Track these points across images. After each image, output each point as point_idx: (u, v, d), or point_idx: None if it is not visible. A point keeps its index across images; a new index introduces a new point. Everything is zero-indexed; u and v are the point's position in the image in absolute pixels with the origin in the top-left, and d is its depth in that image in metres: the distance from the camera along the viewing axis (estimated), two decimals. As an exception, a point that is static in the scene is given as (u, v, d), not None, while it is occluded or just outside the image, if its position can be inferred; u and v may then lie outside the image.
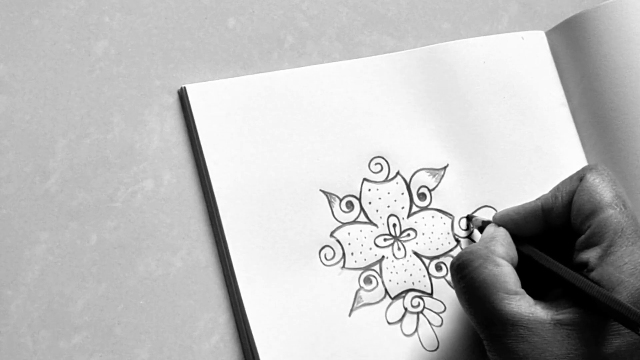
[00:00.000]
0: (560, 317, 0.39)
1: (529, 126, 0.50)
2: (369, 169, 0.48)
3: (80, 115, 0.45)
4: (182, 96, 0.46)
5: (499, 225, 0.45)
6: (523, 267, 0.43)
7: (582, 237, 0.41)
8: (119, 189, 0.45)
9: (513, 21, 0.54)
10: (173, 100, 0.47)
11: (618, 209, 0.41)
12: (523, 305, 0.40)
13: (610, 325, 0.39)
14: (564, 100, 0.52)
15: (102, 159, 0.45)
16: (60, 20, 0.45)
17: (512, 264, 0.42)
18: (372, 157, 0.48)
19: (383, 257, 0.47)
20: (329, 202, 0.47)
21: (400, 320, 0.46)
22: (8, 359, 0.42)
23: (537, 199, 0.44)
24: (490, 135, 0.50)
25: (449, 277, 0.47)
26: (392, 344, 0.46)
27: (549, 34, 0.53)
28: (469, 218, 0.48)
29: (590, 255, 0.41)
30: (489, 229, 0.45)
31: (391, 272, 0.47)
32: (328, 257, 0.46)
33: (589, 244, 0.41)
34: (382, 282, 0.46)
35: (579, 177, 0.43)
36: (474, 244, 0.44)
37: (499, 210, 0.46)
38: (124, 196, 0.45)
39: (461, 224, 0.49)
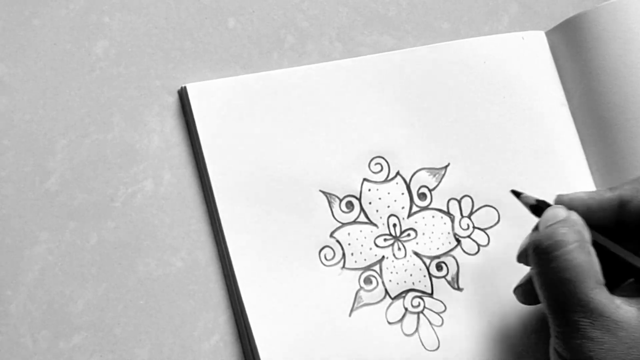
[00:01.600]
0: None
1: (529, 126, 0.50)
2: (369, 169, 0.48)
3: (80, 115, 0.45)
4: (182, 96, 0.46)
5: (568, 208, 0.43)
6: None
7: None
8: (119, 189, 0.45)
9: (513, 21, 0.54)
10: (173, 100, 0.47)
11: None
12: (610, 297, 0.39)
13: None
14: (564, 100, 0.52)
15: (102, 159, 0.45)
16: (60, 20, 0.45)
17: None
18: (372, 157, 0.48)
19: (383, 257, 0.47)
20: (329, 202, 0.47)
21: (401, 320, 0.46)
22: (8, 359, 0.42)
23: (614, 188, 0.43)
24: (490, 135, 0.50)
25: (449, 277, 0.47)
26: (392, 344, 0.45)
27: (549, 34, 0.53)
28: (517, 193, 0.45)
29: None
30: (561, 211, 0.42)
31: (391, 272, 0.47)
32: (328, 258, 0.46)
33: None
34: (382, 282, 0.46)
35: None
36: (559, 225, 0.41)
37: (562, 193, 0.44)
38: (124, 196, 0.45)
39: (462, 224, 0.49)
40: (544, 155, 0.50)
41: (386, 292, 0.46)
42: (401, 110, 0.49)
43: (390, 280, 0.47)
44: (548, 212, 0.43)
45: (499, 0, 0.54)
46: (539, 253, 0.41)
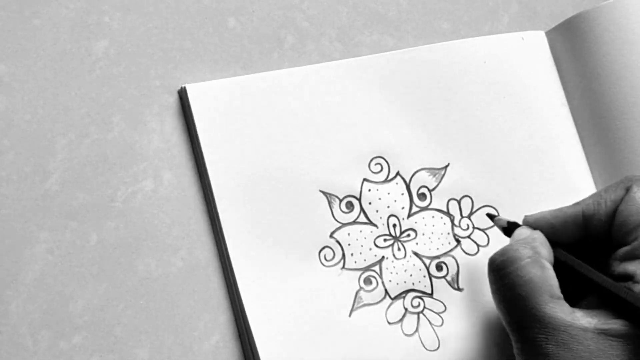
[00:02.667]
0: (605, 327, 0.38)
1: (529, 126, 0.50)
2: (369, 169, 0.48)
3: (80, 115, 0.45)
4: (182, 96, 0.46)
5: (534, 228, 0.44)
6: (557, 274, 0.42)
7: (627, 248, 0.41)
8: (119, 189, 0.45)
9: (513, 21, 0.54)
10: (173, 100, 0.47)
11: None
12: (566, 311, 0.39)
13: None
14: (564, 100, 0.52)
15: (102, 159, 0.45)
16: (60, 20, 0.45)
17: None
18: (372, 157, 0.48)
19: (383, 257, 0.47)
20: (329, 202, 0.47)
21: (401, 320, 0.46)
22: (8, 359, 0.42)
23: (576, 204, 0.43)
24: (490, 135, 0.50)
25: (449, 277, 0.47)
26: (392, 344, 0.46)
27: (549, 34, 0.53)
28: (491, 216, 0.47)
29: (637, 267, 0.40)
30: (524, 230, 0.44)
31: (391, 273, 0.47)
32: (328, 258, 0.46)
33: (635, 256, 0.40)
34: (382, 283, 0.46)
35: (625, 187, 0.42)
36: (513, 243, 0.42)
37: (528, 214, 0.45)
38: (124, 196, 0.45)
39: (462, 224, 0.49)
40: (544, 155, 0.50)
41: (386, 292, 0.46)
42: (401, 110, 0.49)
43: (390, 281, 0.47)
44: (515, 233, 0.44)
45: (499, 0, 0.54)
46: (493, 270, 0.41)
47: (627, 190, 0.42)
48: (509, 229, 0.45)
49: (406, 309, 0.46)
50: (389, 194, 0.48)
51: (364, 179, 0.48)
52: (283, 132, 0.47)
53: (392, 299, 0.46)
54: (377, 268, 0.47)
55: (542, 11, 0.55)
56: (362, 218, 0.47)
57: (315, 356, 0.44)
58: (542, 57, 0.52)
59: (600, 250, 0.43)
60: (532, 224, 0.44)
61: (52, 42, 0.45)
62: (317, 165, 0.47)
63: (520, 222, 0.45)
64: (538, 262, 0.40)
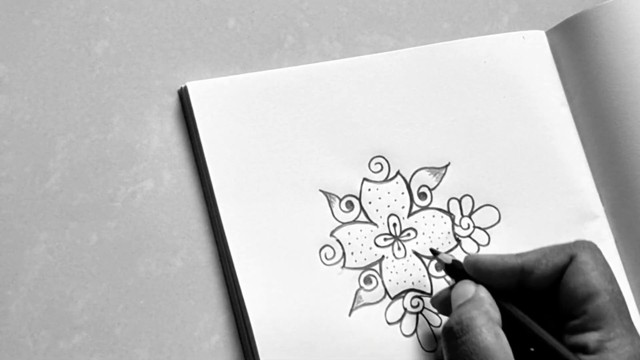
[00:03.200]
0: None
1: (529, 126, 0.50)
2: (369, 168, 0.48)
3: (80, 115, 0.45)
4: (183, 95, 0.46)
5: (472, 275, 0.43)
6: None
7: (578, 321, 0.41)
8: (119, 189, 0.45)
9: (513, 21, 0.54)
10: (173, 100, 0.47)
11: (614, 295, 0.41)
12: None
13: None
14: (564, 100, 0.52)
15: (102, 159, 0.45)
16: (60, 20, 0.45)
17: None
18: (372, 156, 0.48)
19: (383, 256, 0.47)
20: (329, 202, 0.47)
21: (400, 320, 0.46)
22: (8, 359, 0.42)
23: (517, 256, 0.43)
24: (490, 135, 0.50)
25: (448, 278, 0.47)
26: (391, 344, 0.45)
27: (549, 34, 0.53)
28: (434, 253, 0.46)
29: (589, 339, 0.40)
30: (468, 287, 0.43)
31: (391, 272, 0.47)
32: (328, 257, 0.46)
33: (585, 329, 0.40)
34: (382, 282, 0.46)
35: (570, 254, 0.42)
36: (467, 307, 0.42)
37: (470, 254, 0.44)
38: (124, 196, 0.45)
39: (462, 223, 0.48)
40: (544, 155, 0.50)
41: (386, 291, 0.46)
42: (401, 110, 0.49)
43: (390, 280, 0.46)
44: (459, 289, 0.43)
45: (499, 0, 0.54)
46: (449, 338, 0.41)
47: (572, 258, 0.42)
48: (452, 269, 0.44)
49: (405, 309, 0.46)
50: (389, 193, 0.48)
51: (364, 179, 0.48)
52: (284, 131, 0.47)
53: (392, 298, 0.46)
54: (377, 267, 0.47)
55: (542, 11, 0.55)
56: (362, 217, 0.47)
57: (314, 355, 0.44)
58: (542, 56, 0.52)
59: (537, 304, 0.43)
60: (471, 270, 0.43)
61: (52, 42, 0.45)
62: (317, 165, 0.47)
63: (460, 262, 0.44)
64: (492, 329, 0.40)
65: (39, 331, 0.42)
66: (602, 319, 0.40)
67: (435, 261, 0.47)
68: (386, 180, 0.48)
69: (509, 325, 0.41)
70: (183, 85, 0.46)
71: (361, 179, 0.48)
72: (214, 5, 0.48)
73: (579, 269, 0.41)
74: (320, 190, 0.47)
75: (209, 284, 0.45)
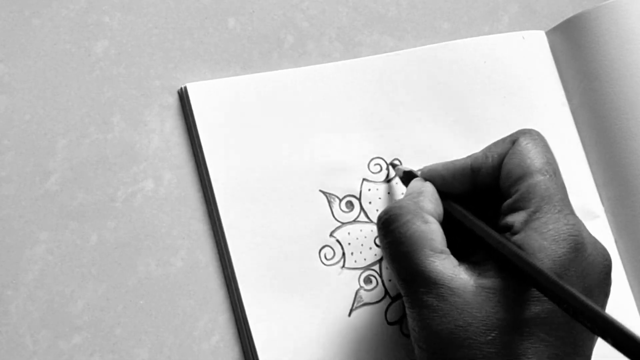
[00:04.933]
0: (482, 281, 0.39)
1: (529, 126, 0.50)
2: (369, 169, 0.48)
3: (80, 115, 0.45)
4: (183, 96, 0.46)
5: (426, 179, 0.44)
6: (449, 226, 0.42)
7: (509, 200, 0.41)
8: (119, 189, 0.45)
9: (513, 21, 0.54)
10: (173, 100, 0.47)
11: (548, 176, 0.41)
12: (447, 265, 0.39)
13: (531, 291, 0.38)
14: (564, 100, 0.52)
15: (102, 159, 0.45)
16: (60, 20, 0.45)
17: (439, 222, 0.42)
18: (372, 157, 0.48)
19: (383, 256, 0.47)
20: (329, 202, 0.47)
21: (400, 320, 0.46)
22: (8, 359, 0.42)
23: (467, 157, 0.44)
24: (490, 135, 0.50)
25: None
26: (391, 344, 0.46)
27: (549, 34, 0.53)
28: (392, 165, 0.47)
29: (516, 219, 0.40)
30: (416, 183, 0.44)
31: (391, 272, 0.47)
32: (328, 257, 0.46)
33: (515, 208, 0.41)
34: (382, 282, 0.46)
35: (512, 140, 0.43)
36: (401, 198, 0.43)
37: (427, 165, 0.45)
38: (124, 196, 0.45)
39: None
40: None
41: (386, 291, 0.46)
42: (401, 110, 0.49)
43: (390, 280, 0.47)
44: (409, 186, 0.44)
45: (499, 0, 0.54)
46: (379, 228, 0.42)
47: (514, 143, 0.42)
48: (407, 178, 0.45)
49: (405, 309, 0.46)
50: (389, 193, 0.48)
51: (364, 179, 0.48)
52: (283, 132, 0.47)
53: (392, 298, 0.46)
54: (377, 267, 0.47)
55: (542, 11, 0.55)
56: (362, 217, 0.47)
57: (314, 356, 0.44)
58: (542, 56, 0.52)
59: (491, 204, 0.43)
60: (425, 175, 0.44)
61: (52, 42, 0.45)
62: (317, 165, 0.47)
63: (417, 171, 0.45)
64: (419, 217, 0.41)
65: (39, 331, 0.42)
66: (532, 198, 0.40)
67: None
68: (386, 180, 0.48)
69: (458, 228, 0.42)
70: (183, 86, 0.46)
71: (361, 179, 0.48)
72: (214, 5, 0.48)
73: (516, 151, 0.42)
74: (320, 191, 0.47)
75: (209, 284, 0.45)
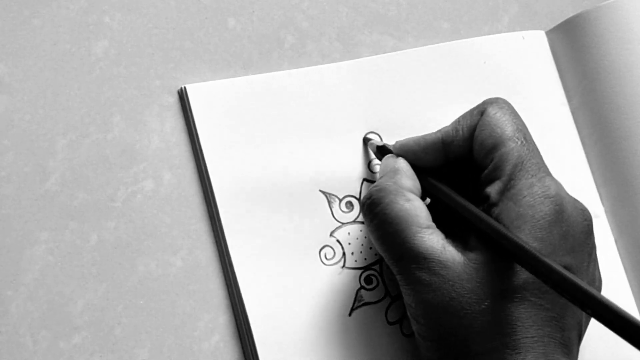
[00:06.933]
0: (468, 254, 0.40)
1: (529, 126, 0.50)
2: (369, 169, 0.48)
3: (80, 115, 0.45)
4: (182, 96, 0.46)
5: (398, 155, 0.44)
6: (428, 200, 0.43)
7: (486, 171, 0.42)
8: (119, 189, 0.45)
9: (513, 21, 0.54)
10: (173, 100, 0.47)
11: (519, 142, 0.41)
12: (435, 239, 0.40)
13: None
14: (564, 100, 0.52)
15: (102, 159, 0.45)
16: (60, 20, 0.45)
17: (420, 197, 0.42)
18: (372, 157, 0.48)
19: (383, 256, 0.47)
20: (329, 202, 0.47)
21: (400, 320, 0.46)
22: (8, 359, 0.42)
23: (438, 131, 0.44)
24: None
25: None
26: (391, 343, 0.45)
27: (549, 34, 0.53)
28: (365, 140, 0.48)
29: (492, 189, 0.41)
30: (389, 160, 0.44)
31: (391, 272, 0.47)
32: (328, 257, 0.46)
33: (492, 178, 0.41)
34: (383, 281, 0.46)
35: (480, 111, 0.43)
36: (380, 180, 0.43)
37: (399, 140, 0.45)
38: (124, 196, 0.45)
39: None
40: (543, 155, 0.50)
41: (386, 291, 0.46)
42: (401, 110, 0.49)
43: (390, 279, 0.47)
44: (382, 164, 0.45)
45: (499, 0, 0.54)
46: (364, 213, 0.43)
47: (482, 114, 0.43)
48: (381, 153, 0.46)
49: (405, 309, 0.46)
50: (389, 193, 0.48)
51: (364, 179, 0.48)
52: (283, 132, 0.47)
53: (392, 297, 0.46)
54: (377, 267, 0.47)
55: (542, 11, 0.55)
56: (362, 217, 0.47)
57: (315, 355, 0.44)
58: (542, 56, 0.52)
59: (466, 176, 0.44)
60: (397, 150, 0.45)
61: (52, 42, 0.45)
62: (317, 165, 0.47)
63: (390, 145, 0.45)
64: (401, 196, 0.41)
65: (39, 331, 0.42)
66: (506, 167, 0.41)
67: None
68: (386, 180, 0.48)
69: (437, 202, 0.42)
70: (183, 86, 0.46)
71: (361, 180, 0.48)
72: (214, 5, 0.48)
73: (485, 122, 0.42)
74: (320, 191, 0.47)
75: (209, 284, 0.45)
